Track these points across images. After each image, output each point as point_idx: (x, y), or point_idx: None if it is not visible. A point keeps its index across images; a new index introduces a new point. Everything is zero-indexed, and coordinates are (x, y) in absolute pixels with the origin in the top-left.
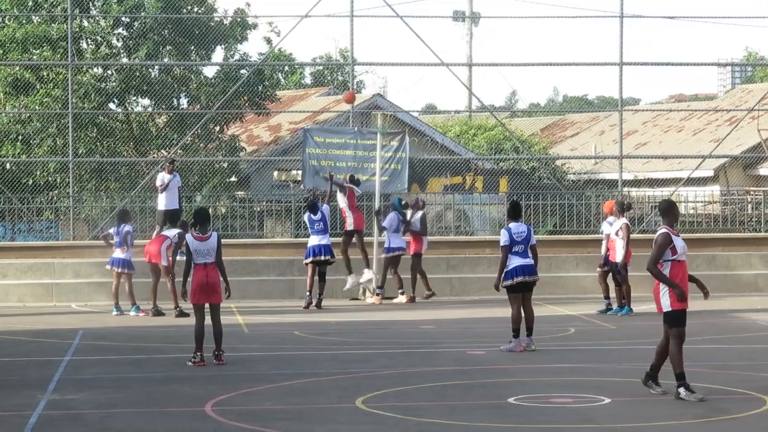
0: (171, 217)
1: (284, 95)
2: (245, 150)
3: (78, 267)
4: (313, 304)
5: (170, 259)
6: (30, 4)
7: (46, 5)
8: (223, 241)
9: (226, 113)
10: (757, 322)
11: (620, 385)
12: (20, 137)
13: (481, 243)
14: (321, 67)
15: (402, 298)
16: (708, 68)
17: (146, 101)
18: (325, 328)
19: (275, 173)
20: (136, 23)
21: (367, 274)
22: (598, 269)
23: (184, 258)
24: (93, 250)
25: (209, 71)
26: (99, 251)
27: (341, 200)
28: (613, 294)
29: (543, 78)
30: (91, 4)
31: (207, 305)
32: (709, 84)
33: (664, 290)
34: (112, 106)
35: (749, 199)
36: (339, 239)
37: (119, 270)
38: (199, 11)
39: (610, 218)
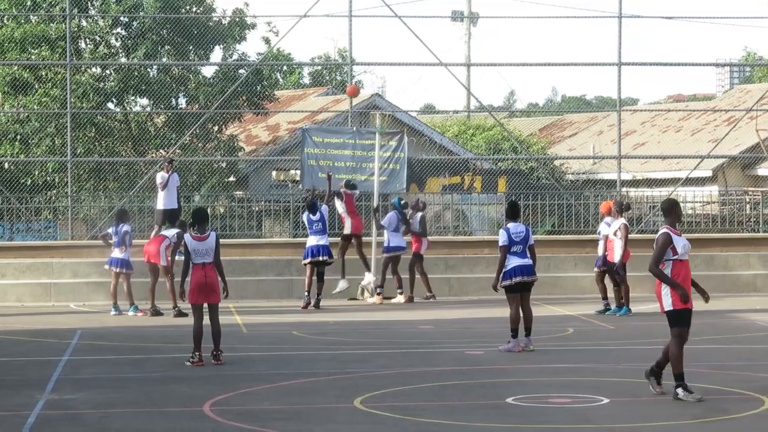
0: (170, 217)
1: (283, 95)
2: (244, 150)
3: (76, 267)
4: (312, 304)
5: (169, 258)
6: (28, 3)
7: (44, 5)
8: (221, 241)
9: (224, 113)
10: (756, 323)
11: (619, 385)
12: (19, 137)
13: (479, 243)
14: (319, 67)
15: (400, 298)
16: (706, 68)
17: (145, 101)
18: (323, 328)
19: (274, 173)
20: (134, 23)
21: (368, 277)
22: (595, 269)
23: (183, 258)
24: (91, 249)
25: (208, 71)
26: (97, 251)
27: (339, 206)
28: (611, 294)
29: (541, 78)
30: (89, 3)
31: (205, 305)
32: (708, 84)
33: (665, 290)
34: (110, 105)
35: (747, 200)
36: (337, 239)
37: (118, 270)
38: (198, 11)
39: (608, 219)
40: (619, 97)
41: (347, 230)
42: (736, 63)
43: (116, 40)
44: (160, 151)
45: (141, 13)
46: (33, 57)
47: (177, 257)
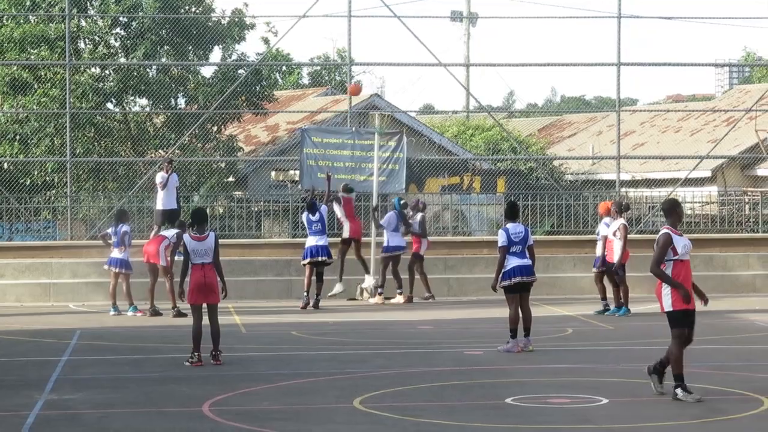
0: (169, 217)
1: (282, 95)
2: (243, 150)
3: (75, 267)
4: (311, 304)
5: (168, 259)
6: (28, 3)
7: (43, 5)
8: (220, 241)
9: (223, 113)
10: (755, 323)
11: (618, 385)
12: (18, 137)
13: (478, 243)
14: (318, 68)
15: (400, 299)
16: (706, 69)
17: (144, 101)
18: (322, 328)
19: (273, 173)
20: (133, 23)
21: (368, 280)
22: (594, 270)
23: (182, 258)
24: (90, 250)
25: (207, 71)
26: (97, 251)
27: (338, 210)
28: (610, 294)
29: (541, 78)
30: (88, 3)
31: (204, 305)
32: (707, 84)
33: (666, 290)
34: (109, 105)
35: (747, 200)
36: (336, 239)
37: (117, 270)
38: (197, 11)
39: (607, 219)
40: (618, 98)
41: (346, 234)
42: (735, 63)
43: (115, 40)
44: (160, 151)
45: (140, 14)
46: (32, 57)
47: (176, 257)
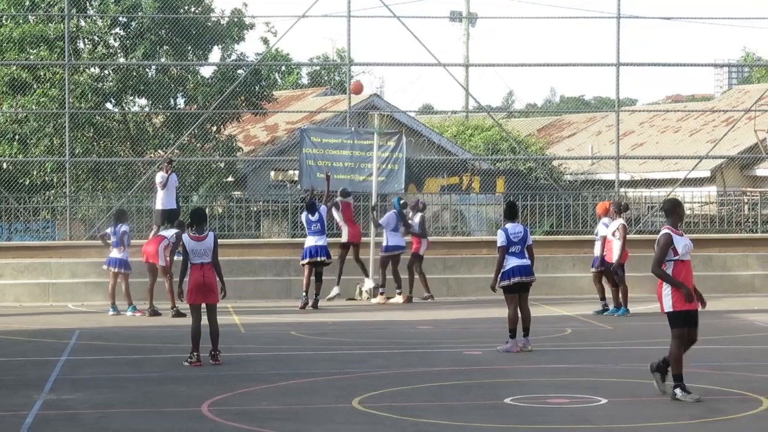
0: (169, 217)
1: (281, 95)
2: (242, 150)
3: (75, 267)
4: (310, 304)
5: (168, 259)
6: (27, 3)
7: (43, 5)
8: (219, 241)
9: (223, 113)
10: (754, 323)
11: (617, 385)
12: (17, 137)
13: (477, 243)
14: (318, 68)
15: (399, 299)
16: (705, 69)
17: (143, 101)
18: (321, 328)
19: (272, 173)
20: (133, 23)
21: (368, 283)
22: (593, 270)
23: (181, 258)
24: (90, 250)
25: (206, 71)
26: (96, 251)
27: (337, 216)
28: (609, 294)
29: (540, 78)
30: (88, 3)
31: (203, 305)
32: (706, 84)
33: (666, 291)
34: (109, 105)
35: (746, 200)
36: (335, 239)
37: (116, 270)
38: (196, 11)
39: (605, 219)
40: (617, 98)
41: (344, 238)
42: (734, 63)
43: (115, 40)
44: (159, 151)
45: (139, 14)
46: (31, 57)
47: (175, 257)
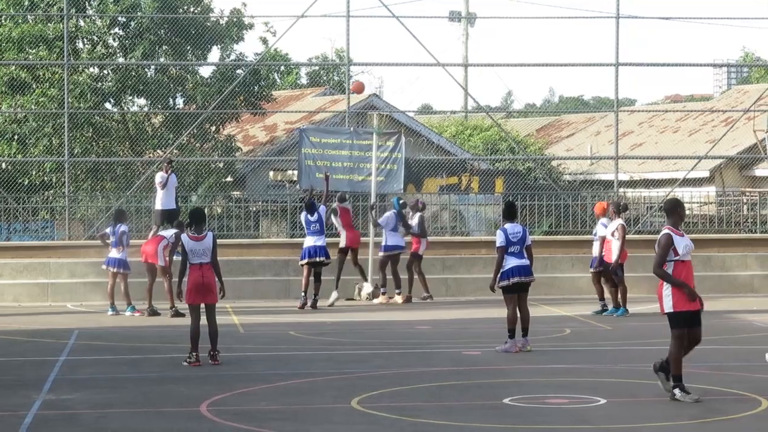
0: (168, 217)
1: (280, 95)
2: (241, 150)
3: (74, 267)
4: (309, 304)
5: (167, 259)
6: (26, 3)
7: (42, 5)
8: (218, 241)
9: (222, 113)
10: (753, 323)
11: (616, 385)
12: (16, 137)
13: (476, 243)
14: (317, 68)
15: (398, 299)
16: (704, 69)
17: (142, 101)
18: (320, 328)
19: (271, 173)
20: (132, 23)
21: (366, 287)
22: (591, 270)
23: (180, 258)
24: (89, 250)
25: (205, 71)
26: (95, 251)
27: (336, 222)
28: (608, 295)
29: (539, 78)
30: (87, 3)
31: (202, 305)
32: (705, 85)
33: (667, 291)
34: (108, 105)
35: (745, 200)
36: (334, 239)
37: (115, 270)
38: (196, 11)
39: (604, 220)
40: (616, 98)
41: (342, 243)
42: (733, 64)
43: (114, 40)
44: (158, 151)
45: (139, 13)
46: (30, 57)
47: (175, 257)
